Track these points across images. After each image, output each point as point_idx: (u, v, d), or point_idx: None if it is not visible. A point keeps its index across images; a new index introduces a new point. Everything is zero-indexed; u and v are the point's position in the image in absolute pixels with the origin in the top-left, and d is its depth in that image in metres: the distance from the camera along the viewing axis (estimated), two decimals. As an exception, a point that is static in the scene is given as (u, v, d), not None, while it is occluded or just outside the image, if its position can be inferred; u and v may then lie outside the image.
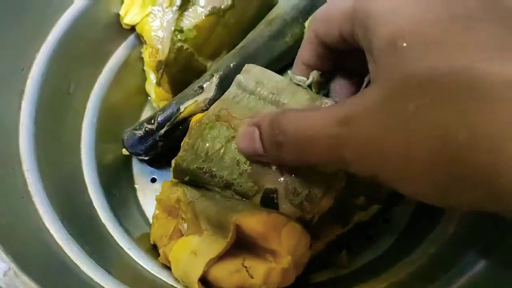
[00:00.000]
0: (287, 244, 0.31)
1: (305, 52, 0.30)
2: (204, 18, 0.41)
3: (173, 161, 0.36)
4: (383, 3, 0.22)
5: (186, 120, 0.40)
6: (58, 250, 0.31)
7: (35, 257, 0.29)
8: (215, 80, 0.40)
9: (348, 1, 0.24)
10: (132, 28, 0.43)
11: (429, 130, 0.18)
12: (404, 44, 0.20)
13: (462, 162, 0.18)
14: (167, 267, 0.34)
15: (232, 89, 0.35)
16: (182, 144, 0.35)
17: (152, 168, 0.43)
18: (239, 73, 0.35)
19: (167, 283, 0.34)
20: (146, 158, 0.42)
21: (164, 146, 0.41)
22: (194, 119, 0.36)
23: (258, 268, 0.31)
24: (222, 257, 0.31)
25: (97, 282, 0.30)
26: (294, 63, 0.32)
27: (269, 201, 0.32)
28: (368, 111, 0.21)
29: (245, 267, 0.31)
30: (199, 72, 0.42)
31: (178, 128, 0.40)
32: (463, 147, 0.18)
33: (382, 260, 0.37)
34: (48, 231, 0.32)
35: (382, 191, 0.38)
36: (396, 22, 0.21)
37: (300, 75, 0.32)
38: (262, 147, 0.28)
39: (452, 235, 0.35)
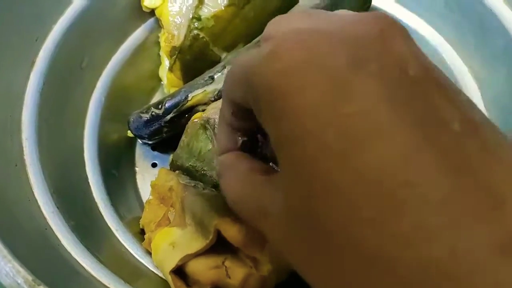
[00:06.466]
0: (270, 255, 0.30)
1: (226, 112, 0.22)
2: (223, 8, 0.41)
3: (170, 157, 0.36)
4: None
5: (193, 109, 0.40)
6: (41, 221, 0.31)
7: (16, 226, 0.29)
8: (226, 72, 0.39)
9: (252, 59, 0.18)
10: (152, 12, 0.43)
11: None
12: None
13: None
14: (150, 253, 0.34)
15: None
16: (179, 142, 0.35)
17: (154, 153, 0.43)
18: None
19: (148, 268, 0.34)
20: (149, 142, 0.42)
21: (169, 132, 0.40)
22: (193, 117, 0.36)
23: (237, 271, 0.30)
24: (204, 251, 0.30)
25: (75, 259, 0.30)
26: (218, 122, 0.24)
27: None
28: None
29: (225, 266, 0.30)
30: (213, 62, 0.42)
31: (184, 116, 0.40)
32: None
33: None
34: (36, 201, 0.32)
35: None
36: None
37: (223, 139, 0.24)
38: None
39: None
